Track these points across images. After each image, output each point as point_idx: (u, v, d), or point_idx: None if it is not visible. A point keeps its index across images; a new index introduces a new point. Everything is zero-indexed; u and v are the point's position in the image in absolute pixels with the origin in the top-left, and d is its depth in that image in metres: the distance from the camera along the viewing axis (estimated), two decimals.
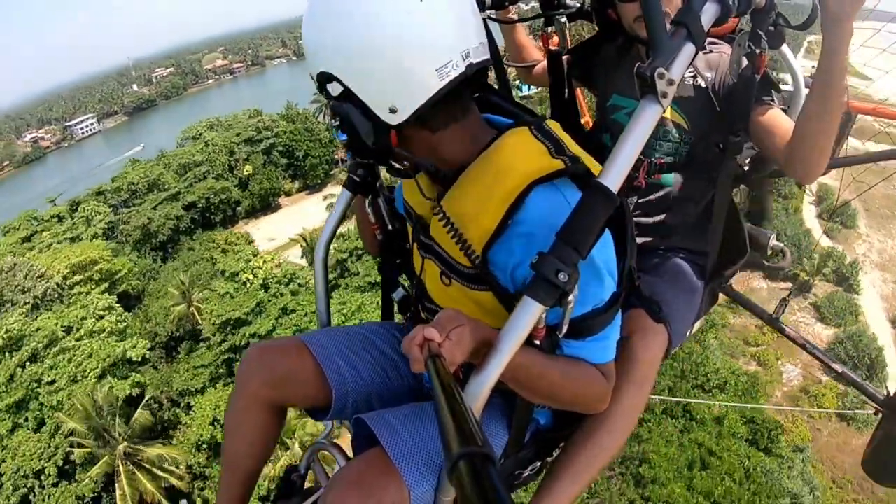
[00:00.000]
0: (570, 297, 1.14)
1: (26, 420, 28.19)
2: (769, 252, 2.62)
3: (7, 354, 30.07)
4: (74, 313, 32.82)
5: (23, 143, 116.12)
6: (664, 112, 1.20)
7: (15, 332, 30.66)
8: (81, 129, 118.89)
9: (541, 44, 2.40)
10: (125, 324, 33.68)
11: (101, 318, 32.89)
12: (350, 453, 1.76)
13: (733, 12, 1.34)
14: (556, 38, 2.30)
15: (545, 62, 2.39)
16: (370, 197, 1.87)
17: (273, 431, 1.74)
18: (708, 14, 1.27)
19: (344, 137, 1.28)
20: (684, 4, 1.27)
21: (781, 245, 2.67)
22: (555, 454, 1.73)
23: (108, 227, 46.96)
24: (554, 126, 1.39)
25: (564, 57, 2.23)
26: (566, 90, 2.27)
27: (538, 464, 1.70)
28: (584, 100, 2.71)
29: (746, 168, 2.29)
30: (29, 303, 33.98)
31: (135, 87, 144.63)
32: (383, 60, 1.17)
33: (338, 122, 1.27)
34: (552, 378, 1.27)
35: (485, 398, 1.15)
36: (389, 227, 1.86)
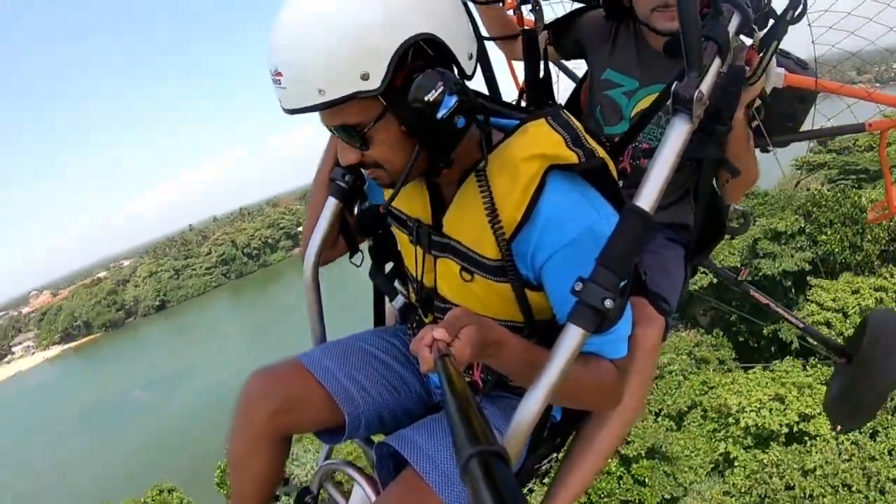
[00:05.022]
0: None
1: None
2: (732, 216, 2.73)
3: None
4: None
5: None
6: (694, 129, 1.19)
7: None
8: None
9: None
10: None
11: None
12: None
13: (752, 20, 1.35)
14: (530, 19, 2.24)
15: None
16: (358, 202, 1.81)
17: (282, 459, 1.67)
18: (734, 26, 1.27)
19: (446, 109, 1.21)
20: (712, 17, 1.25)
21: (743, 209, 2.78)
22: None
23: None
24: (569, 115, 1.39)
25: (541, 35, 2.19)
26: (542, 70, 2.24)
27: (554, 455, 1.74)
28: None
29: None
30: None
31: None
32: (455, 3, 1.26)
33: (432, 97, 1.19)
34: (575, 375, 1.28)
35: (535, 419, 1.18)
36: (379, 230, 1.82)
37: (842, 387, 2.90)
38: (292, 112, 1.22)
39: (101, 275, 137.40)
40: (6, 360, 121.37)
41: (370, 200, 1.82)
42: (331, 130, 1.33)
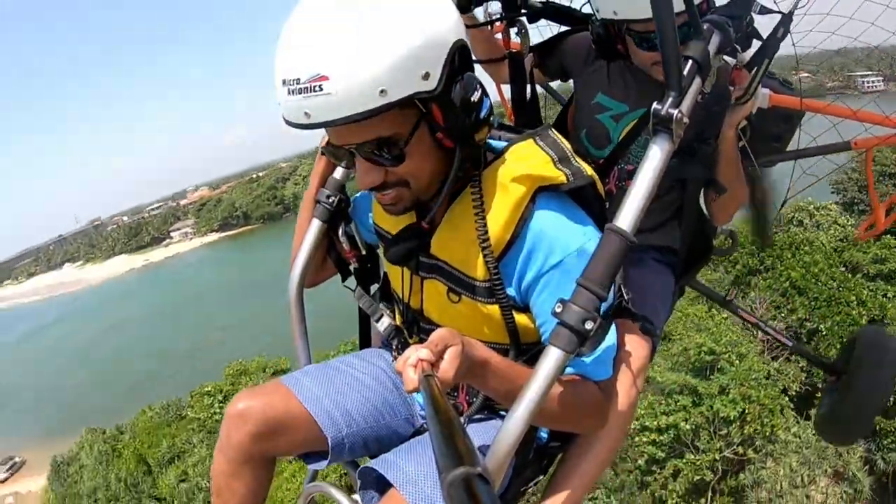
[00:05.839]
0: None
1: None
2: (718, 236, 2.73)
3: None
4: None
5: None
6: (674, 148, 1.20)
7: None
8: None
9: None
10: None
11: None
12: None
13: (733, 39, 1.36)
14: (516, 42, 2.26)
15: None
16: (343, 224, 1.80)
17: (265, 484, 1.65)
18: (714, 45, 1.28)
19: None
20: (693, 36, 1.27)
21: (730, 229, 2.78)
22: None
23: None
24: (557, 134, 1.39)
25: (527, 58, 2.20)
26: (528, 92, 2.25)
27: (541, 477, 1.72)
28: None
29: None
30: None
31: None
32: None
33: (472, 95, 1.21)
34: (559, 396, 1.28)
35: (517, 440, 1.16)
36: (364, 252, 1.82)
37: (833, 403, 2.89)
38: (322, 125, 1.13)
39: (260, 173, 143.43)
40: (164, 243, 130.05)
41: (355, 222, 1.81)
42: (334, 154, 1.29)
